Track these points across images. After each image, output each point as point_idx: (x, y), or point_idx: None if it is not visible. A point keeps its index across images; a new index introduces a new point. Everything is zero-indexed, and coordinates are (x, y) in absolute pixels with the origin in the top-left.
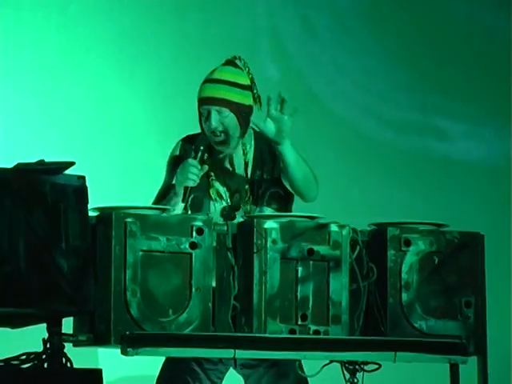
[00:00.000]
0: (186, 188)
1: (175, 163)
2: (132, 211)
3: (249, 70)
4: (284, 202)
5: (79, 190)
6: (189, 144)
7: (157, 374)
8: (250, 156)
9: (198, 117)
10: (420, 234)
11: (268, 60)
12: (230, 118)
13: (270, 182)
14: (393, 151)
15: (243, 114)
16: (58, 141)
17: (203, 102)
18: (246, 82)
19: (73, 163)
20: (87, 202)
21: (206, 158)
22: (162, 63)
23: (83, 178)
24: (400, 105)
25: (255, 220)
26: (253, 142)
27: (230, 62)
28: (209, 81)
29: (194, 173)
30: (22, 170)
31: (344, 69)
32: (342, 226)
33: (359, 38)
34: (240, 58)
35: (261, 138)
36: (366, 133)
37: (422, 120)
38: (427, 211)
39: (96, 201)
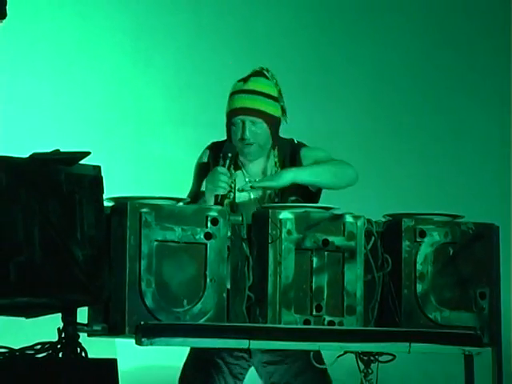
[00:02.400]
0: (216, 196)
1: (203, 170)
2: (147, 201)
3: (276, 81)
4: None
5: (94, 179)
6: (215, 151)
7: (171, 363)
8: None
9: (227, 125)
10: (435, 225)
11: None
12: (264, 129)
13: (289, 191)
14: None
15: (275, 125)
16: (74, 130)
17: (238, 112)
18: (276, 93)
19: (88, 153)
20: (102, 192)
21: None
22: (178, 53)
23: (98, 167)
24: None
25: (270, 210)
26: (277, 153)
27: (261, 74)
28: (244, 91)
29: (224, 181)
30: (37, 159)
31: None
32: (356, 217)
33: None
34: (268, 70)
35: (283, 147)
36: (381, 123)
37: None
38: (442, 202)
39: (111, 191)
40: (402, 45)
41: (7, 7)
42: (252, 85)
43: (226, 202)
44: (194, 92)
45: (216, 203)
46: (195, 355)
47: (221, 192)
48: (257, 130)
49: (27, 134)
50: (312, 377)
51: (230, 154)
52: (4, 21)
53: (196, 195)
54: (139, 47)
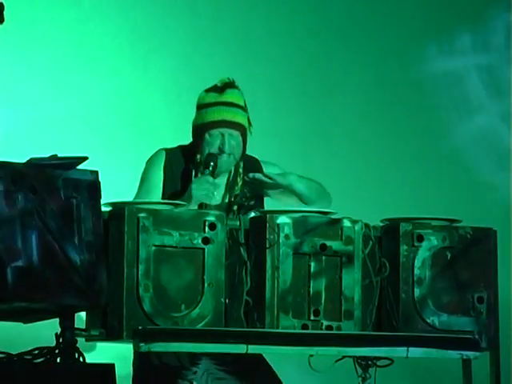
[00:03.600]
0: (202, 203)
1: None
2: (145, 206)
3: (241, 92)
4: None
5: (92, 184)
6: (175, 158)
7: None
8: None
9: (199, 135)
10: (432, 229)
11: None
12: (240, 142)
13: (253, 198)
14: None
15: (246, 137)
16: (71, 135)
17: (218, 124)
18: (244, 104)
19: (86, 158)
20: (100, 197)
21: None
22: (177, 57)
23: (96, 172)
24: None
25: (268, 215)
26: (242, 164)
27: (233, 85)
28: (223, 104)
29: (212, 191)
30: (35, 164)
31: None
32: (354, 222)
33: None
34: (234, 80)
35: (246, 160)
36: (379, 128)
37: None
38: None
39: (109, 196)
40: (399, 50)
41: (4, 12)
42: (229, 97)
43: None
44: (193, 96)
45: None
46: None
47: (208, 201)
48: (234, 142)
49: (25, 138)
50: None
51: (212, 164)
52: (1, 25)
53: (170, 198)
54: (138, 51)
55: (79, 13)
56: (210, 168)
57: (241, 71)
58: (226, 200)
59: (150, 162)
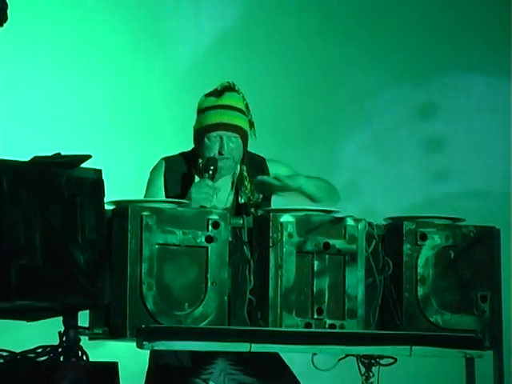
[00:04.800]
0: (202, 206)
1: (171, 180)
2: (148, 205)
3: (243, 95)
4: None
5: (95, 183)
6: (174, 165)
7: None
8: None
9: (199, 139)
10: (436, 228)
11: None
12: (239, 144)
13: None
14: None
15: (246, 139)
16: (74, 134)
17: (216, 127)
18: (245, 108)
19: (89, 156)
20: (103, 196)
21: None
22: (178, 57)
23: (99, 171)
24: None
25: (271, 214)
26: (246, 167)
27: (232, 89)
28: (221, 107)
29: (211, 194)
30: (38, 163)
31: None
32: (357, 220)
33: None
34: (234, 84)
35: (250, 162)
36: (382, 127)
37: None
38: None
39: (112, 194)
40: (399, 56)
41: (7, 11)
42: (227, 100)
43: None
44: (196, 96)
45: None
46: (161, 361)
47: (207, 204)
48: (233, 145)
49: (28, 137)
50: None
51: (212, 167)
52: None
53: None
54: (140, 50)
55: (82, 12)
56: (210, 172)
57: (242, 72)
58: (234, 203)
59: (152, 172)
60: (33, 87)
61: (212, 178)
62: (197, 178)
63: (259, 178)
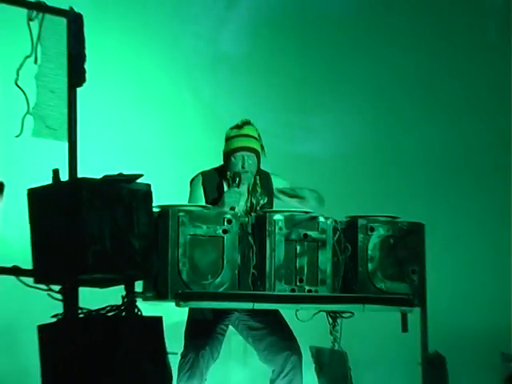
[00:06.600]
0: (232, 207)
1: (209, 189)
2: (183, 208)
3: (256, 128)
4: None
5: (146, 193)
6: (210, 177)
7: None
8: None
9: (228, 158)
10: (380, 223)
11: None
12: (255, 162)
13: (268, 200)
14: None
15: (259, 158)
16: (132, 156)
17: (239, 150)
18: (257, 136)
19: (141, 175)
20: (152, 202)
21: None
22: (228, 78)
23: (149, 185)
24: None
25: (267, 213)
26: (259, 178)
27: (249, 123)
28: (242, 135)
29: (238, 198)
30: (107, 179)
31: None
32: (327, 218)
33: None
34: (250, 120)
35: (261, 174)
36: (359, 139)
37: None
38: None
39: (158, 200)
40: (401, 62)
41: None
42: (246, 131)
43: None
44: (233, 116)
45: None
46: (194, 316)
47: (235, 205)
48: (251, 162)
49: (97, 157)
50: (282, 336)
51: (238, 178)
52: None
53: (210, 204)
54: (179, 67)
55: (129, 23)
56: (236, 182)
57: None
58: (249, 204)
59: (193, 182)
60: (101, 119)
61: (238, 186)
62: (225, 186)
63: (280, 188)
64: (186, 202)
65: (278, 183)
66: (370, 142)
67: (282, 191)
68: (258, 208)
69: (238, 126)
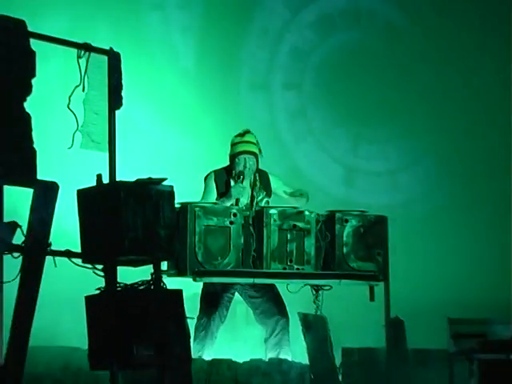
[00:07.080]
0: (237, 199)
1: (219, 185)
2: (198, 204)
3: (255, 135)
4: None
5: (170, 193)
6: (220, 175)
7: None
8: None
9: (232, 160)
10: (353, 216)
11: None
12: (254, 163)
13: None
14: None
15: (258, 160)
16: (157, 161)
17: (242, 153)
18: (256, 142)
19: (165, 178)
20: (174, 200)
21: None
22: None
23: (172, 186)
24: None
25: (264, 208)
26: (258, 176)
27: (249, 132)
28: (244, 142)
29: (242, 191)
30: (139, 182)
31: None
32: (311, 212)
33: None
34: (250, 130)
35: (260, 173)
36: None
37: None
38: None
39: (179, 197)
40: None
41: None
42: (247, 138)
43: (240, 203)
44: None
45: (236, 203)
46: (207, 288)
47: (240, 197)
48: (251, 162)
49: (132, 165)
50: (274, 303)
51: (241, 176)
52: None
53: (220, 196)
54: (201, 76)
55: (142, 36)
56: (240, 178)
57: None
58: (250, 196)
59: (207, 178)
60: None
61: (242, 181)
62: (232, 182)
63: (288, 192)
64: (200, 200)
65: (274, 181)
66: None
67: (291, 194)
68: (257, 201)
69: (241, 134)
